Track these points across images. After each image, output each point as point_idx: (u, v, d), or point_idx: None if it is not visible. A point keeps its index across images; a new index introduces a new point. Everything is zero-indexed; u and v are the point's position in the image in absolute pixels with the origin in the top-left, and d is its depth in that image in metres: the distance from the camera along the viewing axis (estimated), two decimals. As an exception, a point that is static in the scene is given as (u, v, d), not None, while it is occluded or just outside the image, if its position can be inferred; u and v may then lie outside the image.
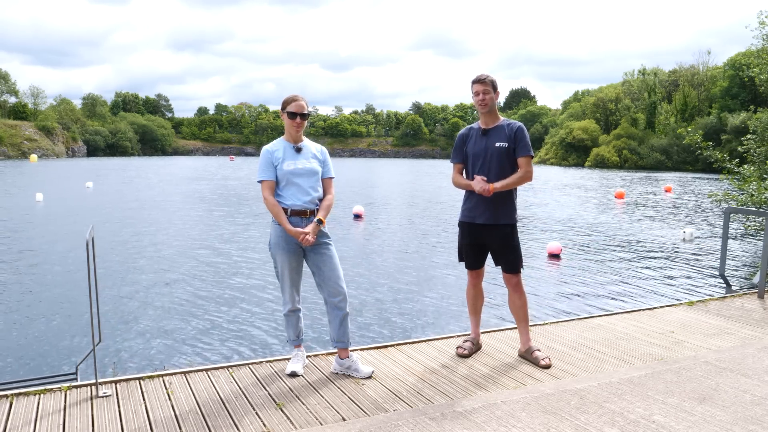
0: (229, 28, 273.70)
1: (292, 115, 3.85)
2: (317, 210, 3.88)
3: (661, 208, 24.56)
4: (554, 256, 12.88)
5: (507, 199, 4.14)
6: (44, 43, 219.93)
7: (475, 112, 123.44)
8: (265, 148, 3.93)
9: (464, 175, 4.36)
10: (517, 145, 4.10)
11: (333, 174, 4.05)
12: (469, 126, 4.39)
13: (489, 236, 4.19)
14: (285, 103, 3.88)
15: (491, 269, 4.47)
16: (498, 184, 4.04)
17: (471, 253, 4.33)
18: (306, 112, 3.88)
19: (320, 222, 3.83)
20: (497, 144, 4.11)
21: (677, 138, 60.28)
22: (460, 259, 4.43)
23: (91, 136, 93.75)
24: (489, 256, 4.36)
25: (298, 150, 3.90)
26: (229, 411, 3.35)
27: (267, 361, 4.13)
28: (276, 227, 3.87)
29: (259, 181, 3.87)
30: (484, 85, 4.10)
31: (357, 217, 19.23)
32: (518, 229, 4.24)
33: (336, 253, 3.94)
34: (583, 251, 13.77)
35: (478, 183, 4.05)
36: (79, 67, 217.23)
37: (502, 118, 4.23)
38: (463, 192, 4.35)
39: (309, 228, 3.77)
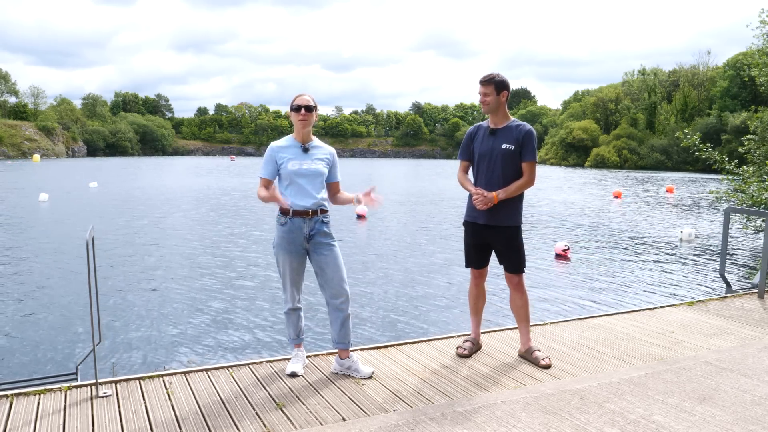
0: (231, 29, 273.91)
1: (296, 108, 3.81)
2: (320, 210, 3.85)
3: (662, 208, 24.56)
4: (559, 256, 12.89)
5: (509, 200, 4.10)
6: (49, 43, 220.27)
7: (475, 112, 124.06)
8: (272, 144, 3.91)
9: (470, 173, 4.35)
10: (523, 149, 4.06)
11: (339, 178, 4.02)
12: (478, 124, 4.34)
13: (492, 236, 4.18)
14: (291, 102, 3.87)
15: (493, 270, 4.46)
16: (502, 194, 4.03)
17: (474, 253, 4.31)
18: (311, 105, 3.82)
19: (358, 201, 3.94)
20: (504, 146, 4.07)
21: (677, 138, 60.19)
22: (468, 263, 4.39)
23: (91, 136, 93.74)
24: (494, 256, 4.35)
25: (306, 150, 3.87)
26: (229, 411, 3.35)
27: (267, 361, 4.13)
28: (280, 228, 3.86)
29: (260, 177, 3.88)
30: (485, 86, 4.08)
31: (360, 217, 19.23)
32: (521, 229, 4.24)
33: (340, 254, 3.91)
34: (583, 251, 13.77)
35: (479, 201, 4.04)
36: (83, 67, 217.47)
37: (512, 119, 4.18)
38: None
39: (284, 200, 3.74)
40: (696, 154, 12.27)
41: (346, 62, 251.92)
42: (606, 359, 4.24)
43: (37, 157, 70.54)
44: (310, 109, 3.82)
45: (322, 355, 4.27)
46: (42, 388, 3.58)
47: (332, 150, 4.03)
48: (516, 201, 4.15)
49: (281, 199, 3.70)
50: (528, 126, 4.12)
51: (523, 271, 4.24)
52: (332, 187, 3.99)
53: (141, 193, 28.24)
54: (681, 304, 5.87)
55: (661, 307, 5.76)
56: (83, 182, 33.30)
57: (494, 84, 4.07)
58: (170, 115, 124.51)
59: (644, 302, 8.95)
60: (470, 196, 4.22)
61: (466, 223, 4.33)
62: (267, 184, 3.85)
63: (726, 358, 4.27)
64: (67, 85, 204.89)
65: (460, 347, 4.32)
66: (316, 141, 3.96)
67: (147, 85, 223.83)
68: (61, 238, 14.65)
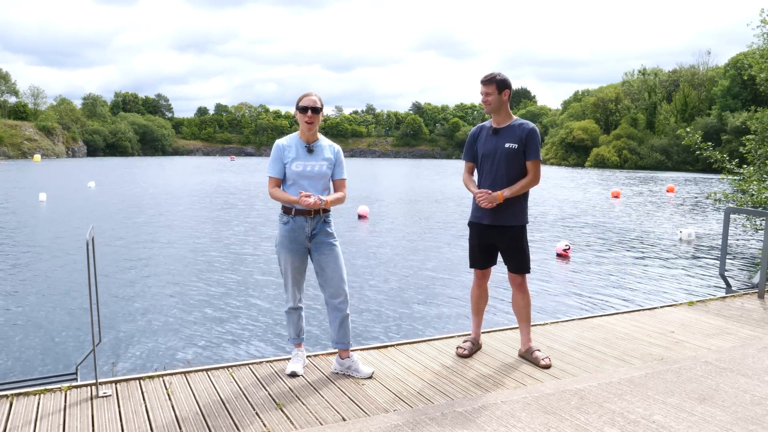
0: (232, 29, 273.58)
1: (304, 109, 3.79)
2: (323, 210, 3.83)
3: (663, 208, 24.55)
4: (560, 256, 12.89)
5: (514, 200, 4.10)
6: (50, 44, 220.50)
7: (476, 112, 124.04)
8: (277, 142, 3.91)
9: (475, 174, 4.35)
10: (527, 148, 4.05)
11: (345, 175, 3.98)
12: (481, 124, 4.34)
13: (497, 237, 4.17)
14: (298, 100, 3.85)
15: (495, 270, 4.46)
16: (507, 192, 4.02)
17: (479, 254, 4.30)
18: (318, 107, 3.81)
19: (323, 201, 3.71)
20: (507, 145, 4.06)
21: (677, 138, 60.23)
22: (472, 264, 4.38)
23: (91, 136, 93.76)
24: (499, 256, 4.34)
25: (310, 150, 3.85)
26: (229, 411, 3.35)
27: (267, 361, 4.13)
28: (282, 227, 3.86)
29: (269, 176, 3.89)
30: (486, 86, 4.08)
31: (361, 217, 19.23)
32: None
33: (341, 254, 3.91)
34: (583, 251, 13.77)
35: (484, 199, 4.03)
36: (83, 67, 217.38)
37: (515, 118, 4.17)
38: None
39: (312, 200, 3.64)
40: (696, 152, 12.26)
41: (347, 62, 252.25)
42: (606, 359, 4.24)
43: (38, 157, 70.63)
44: (317, 110, 3.82)
45: (322, 355, 4.27)
46: (42, 388, 3.58)
47: (337, 148, 4.01)
48: (521, 200, 4.14)
49: (298, 200, 3.66)
50: (531, 124, 4.11)
51: (528, 272, 4.22)
52: (335, 185, 3.97)
53: (140, 192, 28.25)
54: (681, 304, 5.87)
55: (661, 307, 5.76)
56: (83, 182, 33.33)
57: (496, 83, 4.06)
58: (170, 115, 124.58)
59: (644, 302, 8.95)
60: (474, 196, 4.23)
61: (471, 224, 4.32)
62: (276, 183, 3.86)
63: (726, 358, 4.27)
64: (67, 85, 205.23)
65: (460, 347, 4.32)
66: (321, 140, 3.94)
67: (147, 85, 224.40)
68: (60, 237, 14.65)
